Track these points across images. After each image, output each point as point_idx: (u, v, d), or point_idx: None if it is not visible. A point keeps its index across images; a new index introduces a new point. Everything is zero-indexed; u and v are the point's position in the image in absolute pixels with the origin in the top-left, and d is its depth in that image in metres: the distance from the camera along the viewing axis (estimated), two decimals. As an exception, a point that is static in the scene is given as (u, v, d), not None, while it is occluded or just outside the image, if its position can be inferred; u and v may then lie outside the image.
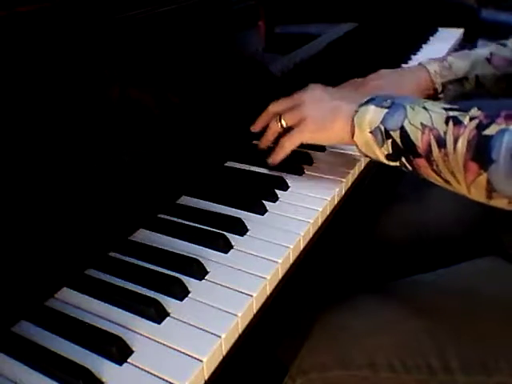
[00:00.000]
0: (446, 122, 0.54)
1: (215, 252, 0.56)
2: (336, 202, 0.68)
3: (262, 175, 0.72)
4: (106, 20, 0.54)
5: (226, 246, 0.57)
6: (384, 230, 0.89)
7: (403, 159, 0.59)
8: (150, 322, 0.48)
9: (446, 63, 0.85)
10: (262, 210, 0.63)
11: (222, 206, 0.65)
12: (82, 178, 0.54)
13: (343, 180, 0.70)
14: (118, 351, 0.44)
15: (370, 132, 0.60)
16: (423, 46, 1.31)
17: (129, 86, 0.58)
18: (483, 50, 0.87)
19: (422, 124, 0.56)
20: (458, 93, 0.85)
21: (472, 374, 0.61)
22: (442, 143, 0.54)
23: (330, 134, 0.65)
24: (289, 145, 0.68)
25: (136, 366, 0.44)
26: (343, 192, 0.70)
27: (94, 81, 0.54)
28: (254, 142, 0.80)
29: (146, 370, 0.43)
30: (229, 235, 0.58)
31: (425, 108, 0.57)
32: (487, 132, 0.51)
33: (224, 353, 0.46)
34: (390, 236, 0.88)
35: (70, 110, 0.52)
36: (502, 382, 0.61)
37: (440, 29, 1.44)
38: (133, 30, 0.57)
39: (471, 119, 0.53)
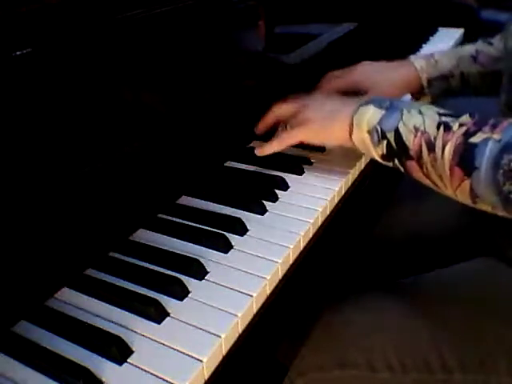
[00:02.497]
0: (438, 127, 0.56)
1: (215, 252, 0.56)
2: (336, 202, 0.68)
3: (262, 175, 0.72)
4: (106, 20, 0.54)
5: (225, 246, 0.57)
6: (384, 230, 0.90)
7: (396, 161, 0.60)
8: (150, 322, 0.48)
9: (432, 60, 0.86)
10: (262, 210, 0.63)
11: (222, 206, 0.65)
12: (82, 178, 0.54)
13: (343, 180, 0.70)
14: (118, 351, 0.44)
15: (368, 132, 0.62)
16: (423, 45, 1.31)
17: (129, 86, 0.58)
18: (469, 47, 0.88)
19: (415, 127, 0.58)
20: (444, 89, 0.86)
21: (470, 374, 0.61)
22: (431, 147, 0.56)
23: (330, 134, 0.67)
24: (288, 140, 0.69)
25: (136, 366, 0.44)
26: (343, 192, 0.70)
27: (96, 81, 0.54)
28: (254, 141, 0.80)
29: (145, 370, 0.43)
30: (229, 235, 0.58)
31: (420, 112, 0.59)
32: (473, 140, 0.52)
33: (224, 353, 0.46)
34: (390, 236, 0.89)
35: (70, 109, 0.52)
36: (500, 381, 0.61)
37: (440, 29, 1.44)
38: (133, 31, 0.57)
39: (460, 126, 0.54)
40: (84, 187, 0.54)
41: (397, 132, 0.59)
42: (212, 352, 0.44)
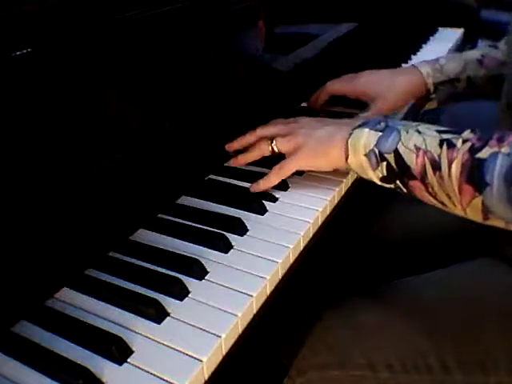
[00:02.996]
0: (440, 145, 0.54)
1: (215, 252, 0.56)
2: (336, 202, 0.68)
3: (262, 175, 0.72)
4: (106, 20, 0.54)
5: (225, 246, 0.57)
6: (383, 229, 0.90)
7: (398, 182, 0.59)
8: (150, 322, 0.48)
9: (437, 65, 0.86)
10: (262, 210, 0.63)
11: (222, 206, 0.65)
12: (82, 178, 0.54)
13: (343, 180, 0.70)
14: (118, 351, 0.44)
15: (365, 155, 0.60)
16: (423, 45, 1.31)
17: (129, 86, 0.58)
18: (475, 51, 0.89)
19: (416, 146, 0.56)
20: (450, 94, 0.87)
21: (470, 374, 0.61)
22: (436, 166, 0.54)
23: (326, 160, 0.65)
24: (284, 171, 0.66)
25: (136, 366, 0.44)
26: (343, 192, 0.70)
27: (96, 81, 0.54)
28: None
29: (146, 370, 0.43)
30: (229, 235, 0.58)
31: (418, 131, 0.58)
32: (480, 155, 0.51)
33: (224, 353, 0.46)
34: (390, 236, 0.89)
35: (70, 109, 0.52)
36: (500, 381, 0.61)
37: (440, 29, 1.44)
38: (133, 31, 0.57)
39: (464, 142, 0.53)
40: (84, 187, 0.54)
41: (396, 153, 0.58)
42: (212, 352, 0.44)
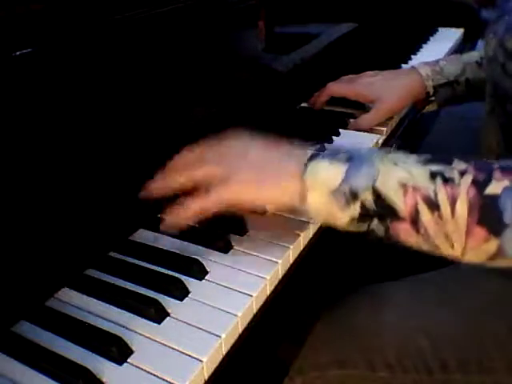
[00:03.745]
0: (432, 179, 0.47)
1: (215, 252, 0.56)
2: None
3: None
4: (106, 20, 0.54)
5: (225, 246, 0.57)
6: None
7: (374, 224, 0.49)
8: (150, 322, 0.48)
9: (437, 67, 0.86)
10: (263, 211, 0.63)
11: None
12: (81, 178, 0.54)
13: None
14: (118, 351, 0.44)
15: (329, 193, 0.49)
16: (423, 46, 1.30)
17: (129, 85, 0.58)
18: (474, 53, 0.89)
19: (400, 183, 0.47)
20: (449, 96, 0.87)
21: (470, 374, 0.62)
22: (433, 205, 0.46)
23: (266, 195, 0.52)
24: (197, 207, 0.52)
25: (136, 366, 0.44)
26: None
27: (96, 81, 0.54)
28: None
29: (146, 370, 0.43)
30: (229, 235, 0.58)
31: (395, 163, 0.49)
32: (490, 191, 0.45)
33: (224, 353, 0.46)
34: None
35: (69, 109, 0.52)
36: (499, 381, 0.61)
37: (440, 29, 1.44)
38: (133, 31, 0.57)
39: (461, 174, 0.46)
40: (84, 187, 0.54)
41: (375, 190, 0.48)
42: (212, 352, 0.44)
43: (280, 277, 0.55)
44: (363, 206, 0.48)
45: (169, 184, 0.54)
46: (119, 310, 0.49)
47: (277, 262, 0.54)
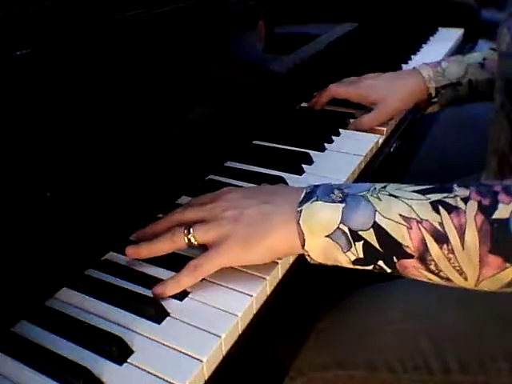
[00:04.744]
0: (435, 210, 0.44)
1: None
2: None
3: (262, 174, 0.72)
4: (106, 20, 0.54)
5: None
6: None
7: (381, 262, 0.47)
8: (150, 322, 0.48)
9: (439, 68, 0.86)
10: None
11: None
12: (81, 178, 0.54)
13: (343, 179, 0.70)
14: (118, 351, 0.44)
15: (328, 236, 0.47)
16: (423, 45, 1.31)
17: (129, 86, 0.58)
18: (476, 55, 0.89)
19: (402, 217, 0.45)
20: (452, 97, 0.87)
21: (470, 374, 0.61)
22: (441, 237, 0.44)
23: (267, 249, 0.50)
24: (201, 271, 0.51)
25: (136, 366, 0.44)
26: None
27: (96, 81, 0.54)
28: (255, 142, 0.80)
29: (146, 370, 0.43)
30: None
31: (393, 195, 0.47)
32: (498, 216, 0.42)
33: (224, 353, 0.46)
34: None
35: (69, 110, 0.52)
36: (500, 381, 0.61)
37: (440, 29, 1.44)
38: (133, 31, 0.57)
39: (465, 200, 0.44)
40: (84, 187, 0.54)
41: (377, 228, 0.45)
42: (212, 352, 0.44)
43: (280, 277, 0.55)
44: (365, 247, 0.46)
45: (158, 250, 0.54)
46: (119, 310, 0.49)
47: (277, 262, 0.54)
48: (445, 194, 0.45)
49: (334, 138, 0.81)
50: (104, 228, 0.57)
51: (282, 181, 0.68)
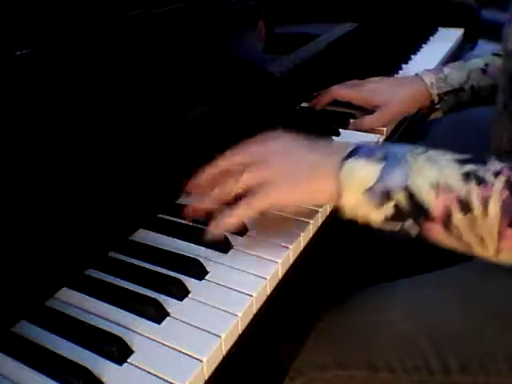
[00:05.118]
0: (466, 181, 0.46)
1: (215, 252, 0.56)
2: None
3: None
4: (106, 20, 0.54)
5: (226, 246, 0.57)
6: (383, 229, 0.89)
7: (408, 223, 0.50)
8: (150, 322, 0.48)
9: (441, 74, 0.86)
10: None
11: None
12: (81, 178, 0.54)
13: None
14: (118, 351, 0.44)
15: (364, 193, 0.50)
16: (423, 45, 1.30)
17: (129, 86, 0.58)
18: (479, 60, 0.89)
19: (432, 184, 0.47)
20: (454, 103, 0.87)
21: (470, 374, 0.61)
22: (465, 207, 0.46)
23: (306, 195, 0.54)
24: (247, 211, 0.53)
25: (136, 366, 0.44)
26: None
27: (96, 82, 0.54)
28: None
29: (146, 370, 0.43)
30: (229, 235, 0.58)
31: (430, 159, 0.49)
32: None
33: (224, 353, 0.46)
34: (389, 236, 0.88)
35: (69, 110, 0.52)
36: (500, 382, 0.61)
37: (440, 29, 1.44)
38: (133, 31, 0.57)
39: (495, 175, 0.46)
40: (84, 187, 0.54)
41: (408, 191, 0.48)
42: (212, 352, 0.44)
43: (280, 277, 0.55)
44: (396, 206, 0.49)
45: (216, 198, 0.55)
46: (119, 309, 0.49)
47: (277, 262, 0.54)
48: (478, 166, 0.47)
49: (334, 137, 0.81)
50: (104, 228, 0.57)
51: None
